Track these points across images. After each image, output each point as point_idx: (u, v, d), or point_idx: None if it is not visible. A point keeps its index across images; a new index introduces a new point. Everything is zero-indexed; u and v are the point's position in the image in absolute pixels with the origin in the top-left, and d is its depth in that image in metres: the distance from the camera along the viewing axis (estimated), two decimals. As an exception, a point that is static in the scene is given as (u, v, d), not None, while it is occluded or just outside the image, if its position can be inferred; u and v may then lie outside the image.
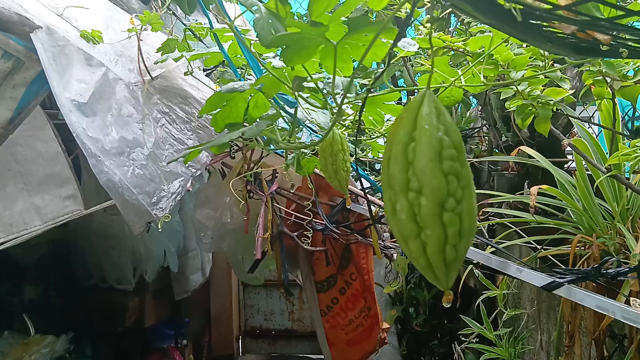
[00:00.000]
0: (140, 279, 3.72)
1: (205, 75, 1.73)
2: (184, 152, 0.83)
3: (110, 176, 1.40)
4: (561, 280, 0.90)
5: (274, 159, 1.94)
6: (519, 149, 1.59)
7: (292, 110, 0.90)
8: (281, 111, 0.83)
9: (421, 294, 3.18)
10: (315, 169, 1.86)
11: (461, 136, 0.48)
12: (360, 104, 0.81)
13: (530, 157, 1.55)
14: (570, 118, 1.59)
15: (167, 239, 3.82)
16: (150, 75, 1.64)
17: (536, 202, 1.51)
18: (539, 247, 1.60)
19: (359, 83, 0.84)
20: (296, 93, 0.71)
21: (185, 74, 1.60)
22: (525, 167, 1.88)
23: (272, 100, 0.81)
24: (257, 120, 0.95)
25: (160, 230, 1.88)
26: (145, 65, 1.63)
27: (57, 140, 1.94)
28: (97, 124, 1.45)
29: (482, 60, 0.89)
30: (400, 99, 0.86)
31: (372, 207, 1.74)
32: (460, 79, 0.83)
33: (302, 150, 0.90)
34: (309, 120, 0.78)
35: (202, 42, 1.50)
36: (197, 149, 0.84)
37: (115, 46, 1.61)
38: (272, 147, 0.92)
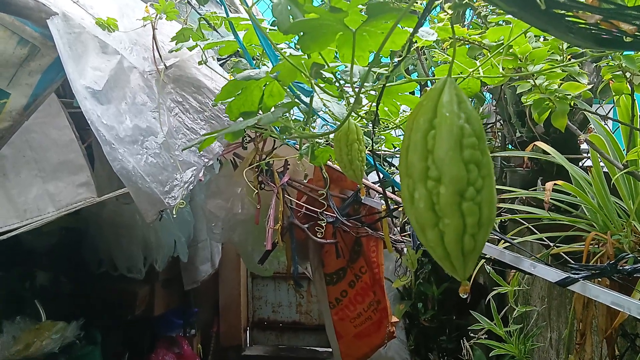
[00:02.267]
0: (151, 268, 3.75)
1: (219, 65, 1.73)
2: (199, 139, 0.83)
3: (124, 164, 1.41)
4: (576, 276, 0.89)
5: (286, 150, 1.94)
6: (534, 145, 1.57)
7: (307, 100, 0.90)
8: (296, 100, 0.82)
9: (430, 290, 3.17)
10: (329, 161, 1.86)
11: (482, 125, 0.47)
12: (376, 94, 0.81)
13: (546, 153, 1.54)
14: (586, 114, 1.57)
15: (178, 229, 3.84)
16: (165, 64, 1.65)
17: (550, 199, 1.49)
18: (551, 244, 1.58)
19: (375, 73, 0.84)
20: (312, 81, 0.71)
21: (200, 63, 1.60)
22: (539, 163, 1.87)
23: (288, 89, 0.81)
24: (272, 109, 0.95)
25: (174, 216, 1.89)
26: (159, 54, 1.63)
27: (71, 127, 1.95)
28: (112, 112, 1.46)
29: (501, 51, 0.88)
30: (413, 92, 0.84)
31: (383, 201, 1.73)
32: (479, 70, 0.82)
33: (316, 140, 0.89)
34: (324, 110, 0.78)
35: (217, 31, 1.50)
36: (212, 136, 0.84)
37: (130, 34, 1.61)
38: (286, 136, 0.91)
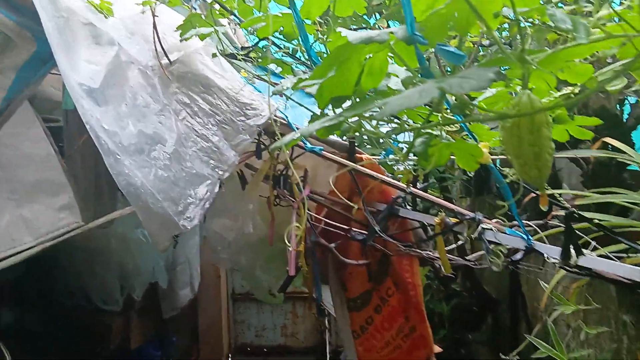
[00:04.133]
0: (127, 297, 3.41)
1: (242, 58, 1.46)
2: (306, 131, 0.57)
3: (131, 179, 1.13)
4: None
5: (305, 158, 1.68)
6: (602, 142, 1.38)
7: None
8: (422, 76, 0.58)
9: (440, 307, 2.96)
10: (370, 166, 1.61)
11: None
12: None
13: (616, 149, 1.34)
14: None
15: (156, 253, 3.51)
16: (169, 59, 1.37)
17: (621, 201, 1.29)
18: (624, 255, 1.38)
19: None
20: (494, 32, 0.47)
21: (214, 55, 1.33)
22: (588, 167, 1.67)
23: (418, 58, 0.57)
24: (369, 91, 0.70)
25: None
26: (162, 46, 1.36)
27: (48, 139, 1.64)
28: (111, 115, 1.17)
29: None
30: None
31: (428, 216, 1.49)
32: None
33: (433, 130, 0.65)
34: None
35: (235, 15, 1.24)
36: (310, 130, 0.58)
37: (126, 23, 1.34)
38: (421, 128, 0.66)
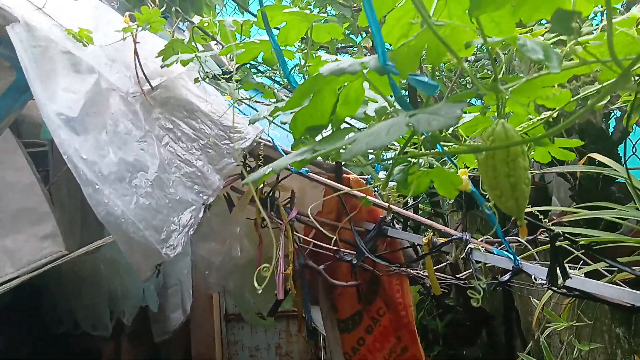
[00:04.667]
0: (117, 322, 3.34)
1: (225, 81, 1.45)
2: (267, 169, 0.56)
3: (111, 209, 1.11)
4: None
5: (292, 180, 1.67)
6: (588, 157, 1.37)
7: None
8: (397, 106, 0.57)
9: (433, 324, 2.94)
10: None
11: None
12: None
13: (604, 165, 1.34)
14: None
15: (146, 276, 3.46)
16: (150, 85, 1.36)
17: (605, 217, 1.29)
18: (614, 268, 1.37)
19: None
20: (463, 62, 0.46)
21: (195, 81, 1.32)
22: (575, 181, 1.67)
23: (392, 88, 0.56)
24: (344, 120, 0.69)
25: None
26: (144, 72, 1.35)
27: (30, 168, 1.62)
28: (91, 144, 1.16)
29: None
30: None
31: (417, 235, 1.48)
32: None
33: (412, 159, 0.64)
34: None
35: (216, 39, 1.23)
36: (282, 165, 0.57)
37: (106, 50, 1.33)
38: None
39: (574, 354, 1.51)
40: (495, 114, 0.59)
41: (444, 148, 0.63)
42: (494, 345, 3.05)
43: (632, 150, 1.42)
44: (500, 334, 3.06)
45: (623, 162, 1.63)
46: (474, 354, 2.99)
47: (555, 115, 0.69)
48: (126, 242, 1.14)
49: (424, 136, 0.61)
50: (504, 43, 0.55)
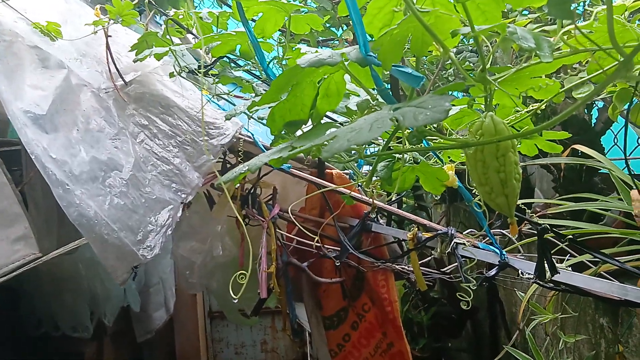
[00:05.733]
0: (98, 322, 3.28)
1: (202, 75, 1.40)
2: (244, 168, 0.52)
3: (83, 210, 1.06)
4: None
5: (274, 176, 1.63)
6: (572, 148, 1.36)
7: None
8: (380, 99, 0.54)
9: (419, 317, 2.93)
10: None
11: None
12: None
13: (586, 156, 1.33)
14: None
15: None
16: (124, 80, 1.31)
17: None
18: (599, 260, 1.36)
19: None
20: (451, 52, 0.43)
21: (171, 75, 1.27)
22: (559, 172, 1.66)
23: (374, 80, 0.52)
24: (325, 114, 0.66)
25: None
26: (116, 67, 1.30)
27: (0, 168, 1.55)
28: (61, 142, 1.10)
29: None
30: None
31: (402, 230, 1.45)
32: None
33: (397, 156, 0.61)
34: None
35: (192, 33, 1.19)
36: (258, 163, 0.53)
37: (77, 45, 1.27)
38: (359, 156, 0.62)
39: (560, 345, 1.50)
40: (482, 106, 0.56)
41: (431, 143, 0.60)
42: (478, 337, 3.05)
43: (614, 141, 1.41)
44: (485, 326, 3.06)
45: (605, 153, 1.63)
46: (459, 346, 2.99)
47: (543, 107, 0.66)
48: (100, 245, 1.09)
49: (409, 131, 0.58)
50: (490, 32, 0.52)
